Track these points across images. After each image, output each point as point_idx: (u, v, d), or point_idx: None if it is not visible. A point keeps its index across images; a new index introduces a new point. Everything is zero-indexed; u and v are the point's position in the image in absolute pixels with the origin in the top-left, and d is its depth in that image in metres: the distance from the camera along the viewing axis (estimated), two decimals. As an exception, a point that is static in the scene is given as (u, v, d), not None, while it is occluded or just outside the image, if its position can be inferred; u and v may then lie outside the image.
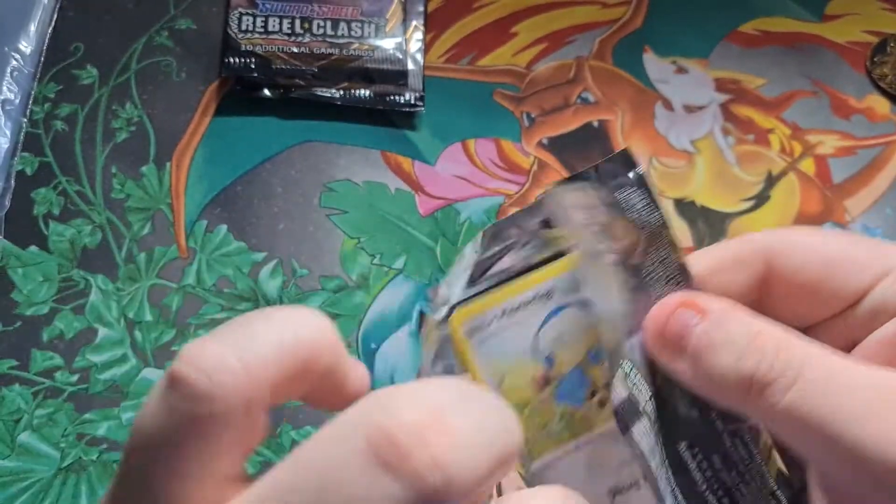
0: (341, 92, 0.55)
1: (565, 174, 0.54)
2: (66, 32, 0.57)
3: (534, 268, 0.25)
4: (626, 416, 0.24)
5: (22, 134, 0.54)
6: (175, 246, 0.51)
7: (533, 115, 0.56)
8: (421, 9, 0.58)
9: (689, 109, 0.57)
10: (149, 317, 0.49)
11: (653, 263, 0.24)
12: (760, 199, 0.54)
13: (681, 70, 0.58)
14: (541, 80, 0.57)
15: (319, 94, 0.55)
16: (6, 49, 0.55)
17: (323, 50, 0.55)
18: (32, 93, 0.55)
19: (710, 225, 0.53)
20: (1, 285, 0.49)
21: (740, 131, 0.56)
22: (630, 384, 0.24)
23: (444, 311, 0.25)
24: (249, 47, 0.55)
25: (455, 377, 0.24)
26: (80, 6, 0.58)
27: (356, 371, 0.21)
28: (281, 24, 0.56)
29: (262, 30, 0.56)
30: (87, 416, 0.46)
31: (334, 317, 0.49)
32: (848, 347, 0.24)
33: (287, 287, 0.50)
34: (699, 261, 0.25)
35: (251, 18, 0.56)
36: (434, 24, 0.59)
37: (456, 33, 0.59)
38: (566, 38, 0.59)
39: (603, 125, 0.56)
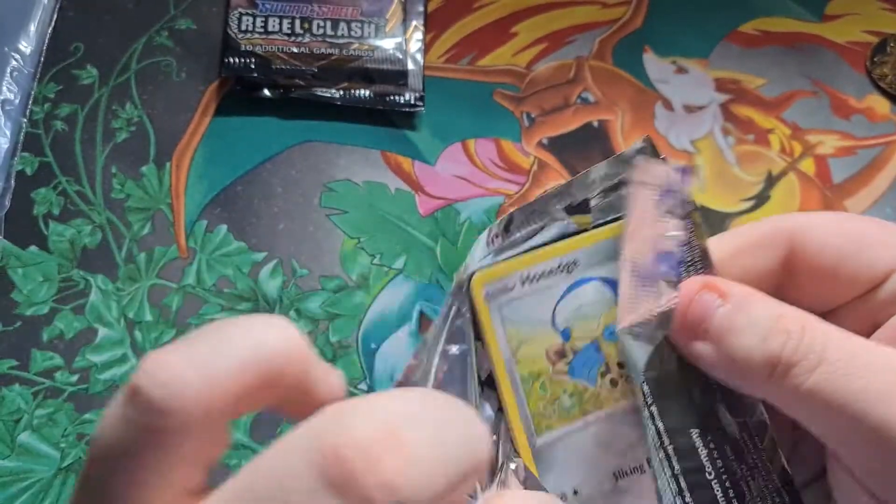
0: (341, 92, 0.55)
1: (565, 174, 0.54)
2: (66, 32, 0.57)
3: (556, 241, 0.24)
4: (636, 396, 0.24)
5: (22, 134, 0.54)
6: (175, 246, 0.51)
7: (533, 115, 0.56)
8: (421, 9, 0.58)
9: (689, 109, 0.57)
10: (149, 317, 0.49)
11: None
12: (760, 199, 0.54)
13: (681, 70, 0.58)
14: (541, 80, 0.57)
15: (319, 94, 0.55)
16: (6, 49, 0.55)
17: (323, 50, 0.55)
18: (32, 93, 0.55)
19: (709, 225, 0.53)
20: (1, 285, 0.49)
21: (740, 131, 0.56)
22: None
23: (464, 278, 0.24)
24: (249, 47, 0.55)
25: (424, 389, 0.23)
26: (80, 6, 0.58)
27: (328, 379, 0.20)
28: (281, 24, 0.56)
29: (261, 30, 0.56)
30: (87, 416, 0.46)
31: (334, 317, 0.49)
32: (869, 330, 0.24)
33: (287, 287, 0.50)
34: (721, 244, 0.25)
35: (251, 18, 0.56)
36: (434, 24, 0.59)
37: (456, 33, 0.59)
38: (566, 38, 0.59)
39: (603, 125, 0.56)
